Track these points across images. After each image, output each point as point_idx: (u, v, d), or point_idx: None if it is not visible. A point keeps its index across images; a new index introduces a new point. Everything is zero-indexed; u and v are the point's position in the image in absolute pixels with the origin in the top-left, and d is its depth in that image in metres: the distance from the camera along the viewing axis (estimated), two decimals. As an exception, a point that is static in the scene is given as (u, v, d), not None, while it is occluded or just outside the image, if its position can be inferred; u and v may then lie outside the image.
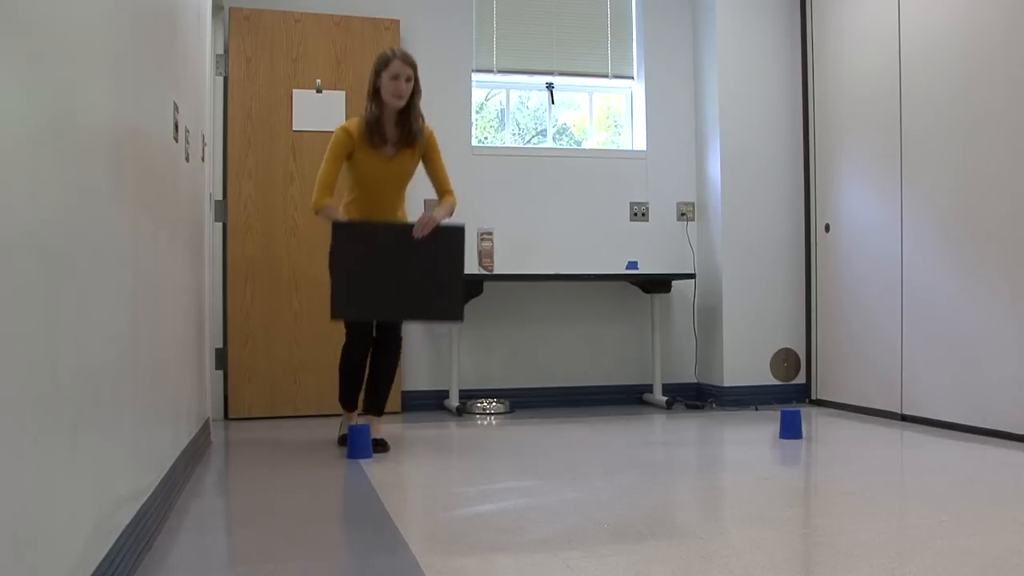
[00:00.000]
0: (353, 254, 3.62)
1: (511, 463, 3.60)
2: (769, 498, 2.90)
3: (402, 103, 3.75)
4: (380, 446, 3.76)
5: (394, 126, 3.81)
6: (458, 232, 3.71)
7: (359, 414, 4.05)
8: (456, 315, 3.74)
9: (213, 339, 4.63)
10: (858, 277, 4.90)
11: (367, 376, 3.98)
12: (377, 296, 3.62)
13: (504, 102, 5.75)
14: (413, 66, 3.78)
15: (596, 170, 5.54)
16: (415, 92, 3.80)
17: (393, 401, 5.08)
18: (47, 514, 1.37)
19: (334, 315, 3.66)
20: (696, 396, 5.46)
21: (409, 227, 3.67)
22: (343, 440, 3.96)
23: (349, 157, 3.79)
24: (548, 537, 2.36)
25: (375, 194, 3.85)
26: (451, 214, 3.84)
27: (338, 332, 5.03)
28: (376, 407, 3.98)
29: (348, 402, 4.04)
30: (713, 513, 2.76)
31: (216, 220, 4.79)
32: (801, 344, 5.40)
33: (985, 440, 3.90)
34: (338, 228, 3.65)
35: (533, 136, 5.84)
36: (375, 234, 3.67)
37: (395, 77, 3.73)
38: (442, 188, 3.91)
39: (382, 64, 3.76)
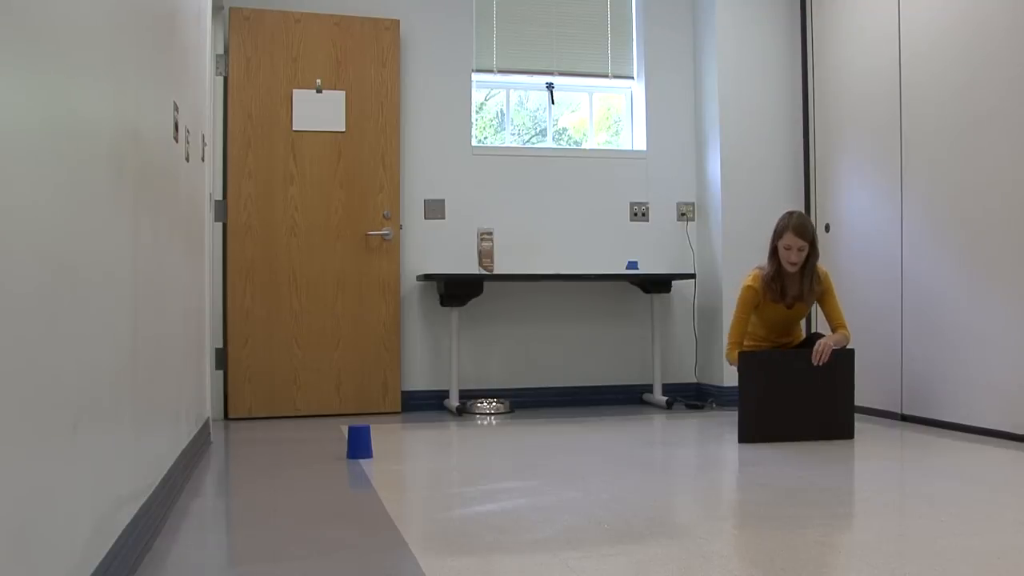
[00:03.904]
0: (758, 382, 3.98)
1: (511, 463, 3.60)
2: (769, 498, 2.90)
3: (794, 269, 4.08)
4: None
5: (793, 283, 4.14)
6: (849, 356, 4.03)
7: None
8: (849, 433, 4.03)
9: (213, 339, 4.63)
10: (858, 277, 4.90)
11: None
12: (780, 419, 3.97)
13: (504, 102, 5.75)
14: (806, 238, 4.03)
15: (596, 170, 5.54)
16: (811, 255, 4.08)
17: (393, 401, 5.09)
18: (47, 514, 1.37)
19: (742, 439, 3.99)
20: (696, 396, 5.46)
21: (806, 354, 3.98)
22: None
23: (756, 307, 4.20)
24: (548, 537, 2.36)
25: (770, 328, 4.27)
26: (842, 345, 4.06)
27: (337, 333, 5.05)
28: None
29: None
30: (713, 513, 2.76)
31: (216, 220, 4.79)
32: (801, 344, 5.40)
33: (985, 440, 3.90)
34: (743, 358, 4.01)
35: (533, 136, 5.84)
36: (776, 363, 4.03)
37: (788, 248, 4.05)
38: (835, 324, 4.16)
39: (779, 231, 4.10)
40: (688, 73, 5.65)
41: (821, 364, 3.94)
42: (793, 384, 3.97)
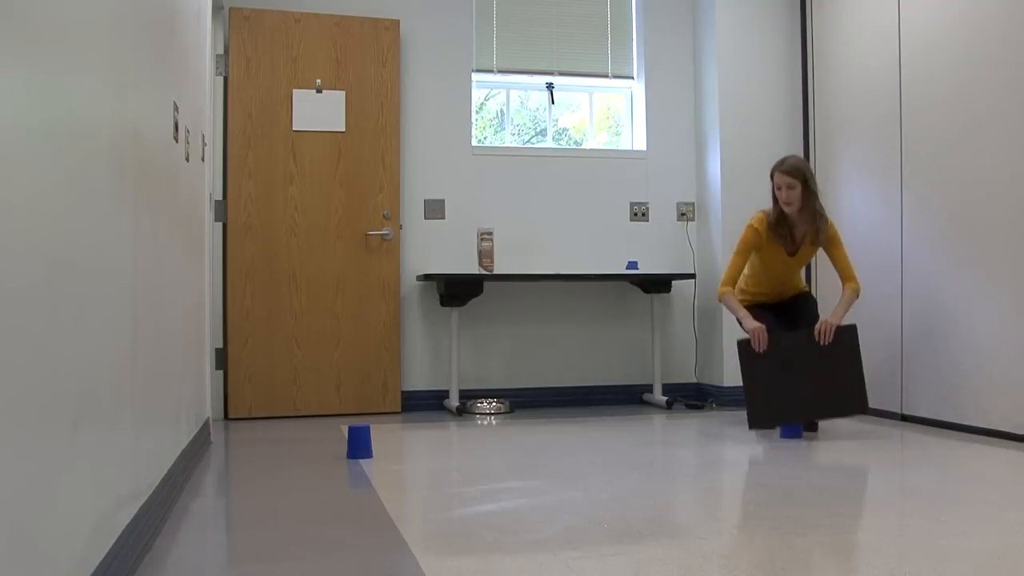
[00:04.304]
0: (762, 366, 4.04)
1: (511, 463, 3.60)
2: (769, 498, 2.90)
3: (791, 210, 4.10)
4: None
5: (800, 225, 4.16)
6: (852, 330, 4.06)
7: None
8: (863, 407, 4.08)
9: (213, 339, 4.63)
10: (858, 277, 4.89)
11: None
12: (789, 401, 4.01)
13: (504, 102, 5.75)
14: (794, 176, 4.08)
15: (596, 170, 5.54)
16: (808, 195, 4.09)
17: (393, 401, 5.09)
18: (47, 514, 1.37)
19: (752, 425, 4.11)
20: (696, 396, 5.46)
21: (808, 334, 4.04)
22: (809, 426, 4.17)
23: (757, 251, 4.21)
24: (548, 537, 2.36)
25: (771, 275, 4.28)
26: (851, 305, 4.13)
27: (337, 333, 5.05)
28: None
29: None
30: (713, 513, 2.76)
31: (216, 220, 4.79)
32: (801, 344, 5.40)
33: (985, 440, 3.90)
34: (742, 346, 4.09)
35: (533, 136, 5.84)
36: (778, 346, 4.05)
37: (779, 188, 4.12)
38: (844, 275, 4.19)
39: (771, 174, 4.16)
40: (688, 73, 5.65)
41: (826, 344, 3.99)
42: (796, 365, 4.01)
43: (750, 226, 4.21)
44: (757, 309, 4.24)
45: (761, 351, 4.03)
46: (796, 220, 4.16)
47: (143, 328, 2.22)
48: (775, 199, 4.17)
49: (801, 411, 4.04)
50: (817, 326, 4.03)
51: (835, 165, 5.14)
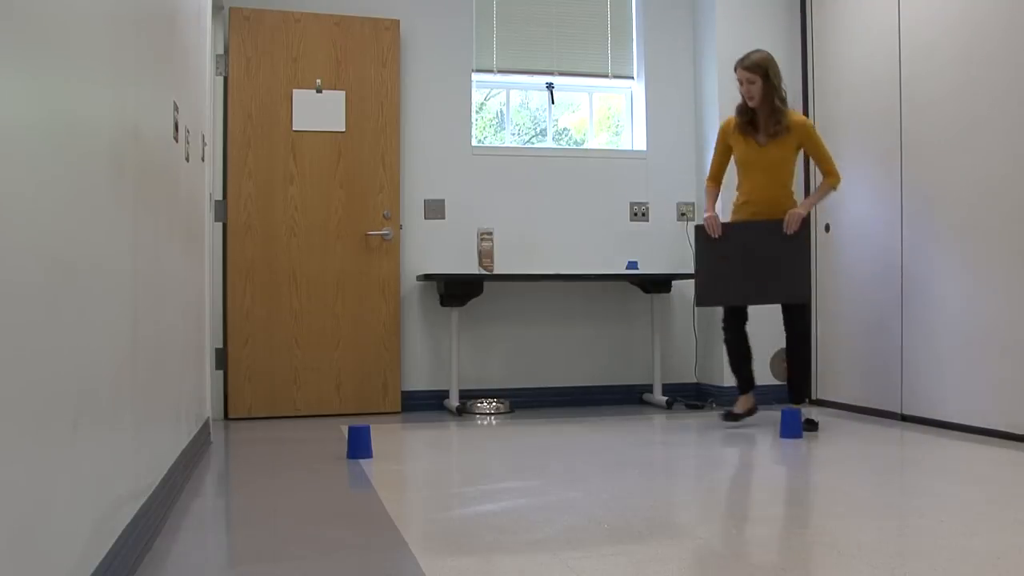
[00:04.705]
0: (712, 251, 4.34)
1: (511, 463, 3.60)
2: (769, 498, 2.90)
3: (753, 103, 4.30)
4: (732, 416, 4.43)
5: (762, 116, 4.33)
6: (805, 222, 4.27)
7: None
8: (804, 296, 4.34)
9: (213, 339, 4.63)
10: (858, 277, 4.90)
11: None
12: (735, 285, 4.31)
13: (504, 102, 5.75)
14: (754, 71, 4.27)
15: (596, 170, 5.54)
16: (770, 89, 4.27)
17: (393, 401, 5.09)
18: (47, 514, 1.37)
19: (699, 303, 4.50)
20: (696, 396, 5.45)
21: (766, 223, 4.27)
22: (727, 415, 4.52)
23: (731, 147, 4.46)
24: (548, 537, 2.36)
25: (751, 180, 4.41)
26: (824, 197, 4.47)
27: (337, 333, 5.05)
28: (793, 397, 4.48)
29: (737, 381, 4.56)
30: (713, 513, 2.76)
31: (216, 220, 4.79)
32: (801, 344, 5.40)
33: (985, 440, 3.90)
34: (697, 230, 4.43)
35: (533, 136, 5.84)
36: (731, 232, 4.33)
37: (740, 83, 4.33)
38: (824, 169, 4.39)
39: (735, 70, 4.37)
40: (688, 73, 5.65)
41: (791, 232, 4.21)
42: (746, 252, 4.26)
43: (721, 124, 4.54)
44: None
45: (715, 236, 4.32)
46: (760, 112, 4.33)
47: (143, 328, 2.22)
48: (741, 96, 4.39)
49: (745, 295, 4.33)
50: (787, 216, 4.22)
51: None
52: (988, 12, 4.01)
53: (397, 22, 5.15)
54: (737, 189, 4.48)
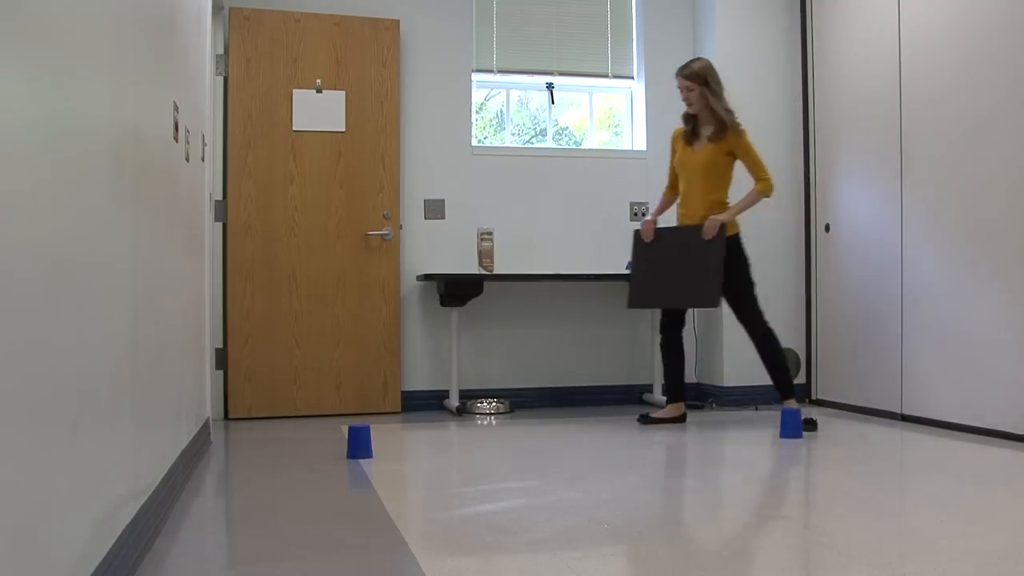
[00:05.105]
0: (644, 255, 4.54)
1: (511, 463, 3.60)
2: (769, 498, 2.90)
3: (693, 110, 4.47)
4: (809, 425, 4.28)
5: (704, 124, 4.47)
6: (723, 230, 4.35)
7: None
8: (712, 302, 4.41)
9: (213, 339, 4.63)
10: (858, 277, 4.90)
11: None
12: (658, 288, 4.48)
13: (504, 102, 5.75)
14: (692, 79, 4.41)
15: (596, 170, 5.54)
16: (711, 95, 4.39)
17: (393, 401, 5.09)
18: (47, 514, 1.37)
19: (629, 305, 4.67)
20: (696, 396, 5.45)
21: (690, 229, 4.40)
22: (642, 418, 4.62)
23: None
24: (548, 537, 2.36)
25: (684, 184, 4.57)
26: (751, 203, 4.44)
27: (337, 333, 5.05)
28: (780, 392, 4.44)
29: (666, 387, 4.70)
30: (713, 513, 2.76)
31: (216, 220, 4.79)
32: (801, 344, 5.40)
33: (985, 440, 3.90)
34: (635, 235, 4.61)
35: (533, 136, 5.84)
36: (661, 238, 4.52)
37: (680, 90, 4.47)
38: (756, 175, 4.45)
39: (676, 75, 4.51)
40: (688, 73, 5.65)
41: (708, 238, 4.31)
42: (671, 257, 4.43)
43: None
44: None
45: (647, 241, 4.52)
46: (701, 119, 4.47)
47: (143, 328, 2.22)
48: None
49: (663, 299, 4.51)
50: (706, 222, 4.32)
51: (835, 164, 5.14)
52: (988, 12, 4.01)
53: (397, 22, 5.15)
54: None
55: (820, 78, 5.27)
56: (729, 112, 4.41)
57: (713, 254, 4.31)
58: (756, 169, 4.42)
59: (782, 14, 5.44)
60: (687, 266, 4.36)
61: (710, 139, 4.43)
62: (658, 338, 5.33)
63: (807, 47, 5.38)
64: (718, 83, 4.43)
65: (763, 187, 4.40)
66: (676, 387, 4.60)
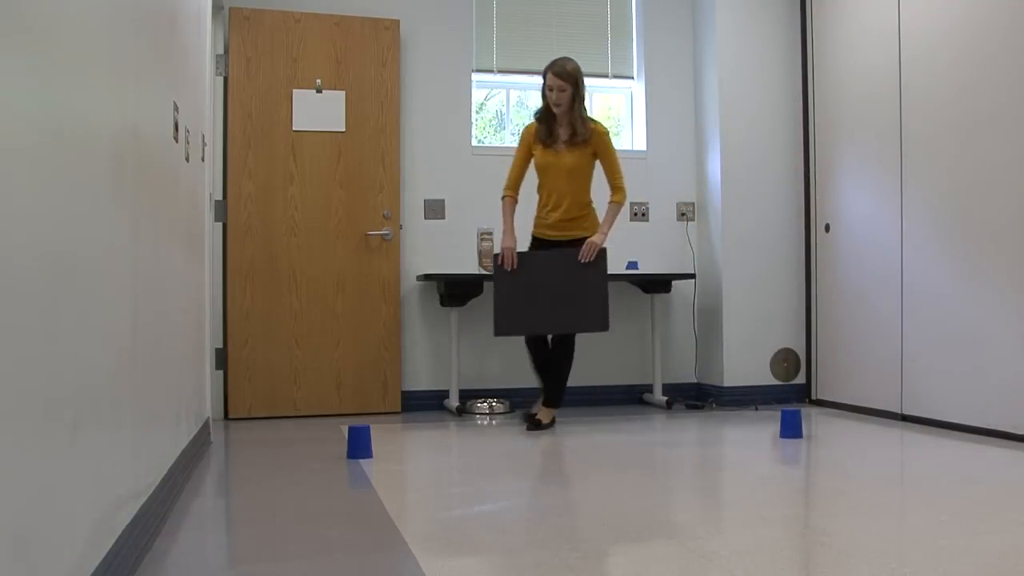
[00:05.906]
0: (510, 280, 4.30)
1: (511, 463, 3.60)
2: (769, 498, 2.90)
3: (559, 111, 4.32)
4: (535, 423, 4.37)
5: (562, 126, 4.36)
6: (603, 253, 4.29)
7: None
8: (603, 325, 4.29)
9: (213, 339, 4.63)
10: (858, 277, 4.90)
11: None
12: (534, 313, 4.28)
13: (504, 102, 5.74)
14: (565, 79, 4.28)
15: (596, 170, 5.53)
16: (576, 99, 4.30)
17: (393, 401, 5.09)
18: (47, 514, 1.37)
19: (496, 332, 4.36)
20: (696, 396, 5.46)
21: (563, 253, 4.29)
22: (526, 417, 4.56)
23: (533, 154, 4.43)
24: (548, 537, 2.36)
25: (549, 185, 4.42)
26: (615, 219, 4.35)
27: (337, 333, 5.05)
28: (549, 399, 4.48)
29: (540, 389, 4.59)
30: (713, 513, 2.76)
31: (216, 220, 4.79)
32: (801, 344, 5.40)
33: (985, 440, 3.90)
34: (494, 258, 4.38)
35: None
36: (530, 262, 4.32)
37: (550, 89, 4.31)
38: (612, 182, 4.38)
39: (543, 74, 4.37)
40: (688, 73, 5.65)
41: (586, 261, 4.23)
42: (545, 281, 4.26)
43: (526, 127, 4.50)
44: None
45: (510, 269, 4.29)
46: (560, 119, 4.34)
47: (143, 328, 2.22)
48: (544, 98, 4.38)
49: (544, 324, 4.33)
50: (584, 245, 4.24)
51: (835, 165, 5.14)
52: (988, 13, 4.01)
53: (397, 22, 5.15)
54: (537, 191, 4.49)
55: (820, 78, 5.27)
56: (585, 120, 4.32)
57: (596, 277, 4.24)
58: (614, 174, 4.34)
59: (782, 14, 5.44)
60: (567, 290, 4.24)
61: (574, 143, 4.33)
62: (658, 338, 5.34)
63: (807, 47, 5.38)
64: (584, 86, 4.36)
65: (619, 197, 4.34)
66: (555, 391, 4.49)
